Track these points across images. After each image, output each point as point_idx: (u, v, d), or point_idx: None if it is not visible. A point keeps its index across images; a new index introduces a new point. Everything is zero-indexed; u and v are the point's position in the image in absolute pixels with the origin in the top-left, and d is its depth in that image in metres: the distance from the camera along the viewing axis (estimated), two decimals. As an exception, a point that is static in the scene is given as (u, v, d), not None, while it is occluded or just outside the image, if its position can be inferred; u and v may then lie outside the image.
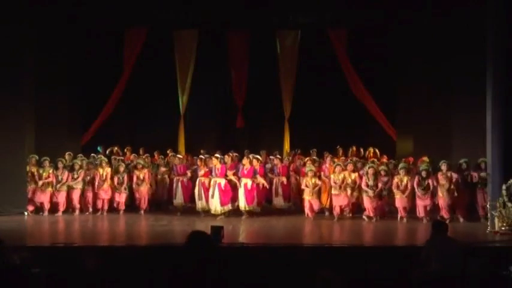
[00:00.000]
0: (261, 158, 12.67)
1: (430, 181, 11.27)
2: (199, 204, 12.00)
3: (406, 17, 13.66)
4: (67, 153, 12.80)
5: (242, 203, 11.80)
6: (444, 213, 11.16)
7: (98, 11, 13.61)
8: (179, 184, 12.49)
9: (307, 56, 14.92)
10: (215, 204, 11.75)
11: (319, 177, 12.06)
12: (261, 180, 12.02)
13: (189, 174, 12.62)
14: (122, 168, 12.47)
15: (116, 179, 12.36)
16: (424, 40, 13.34)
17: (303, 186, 11.97)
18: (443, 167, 11.24)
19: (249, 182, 11.82)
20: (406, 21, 13.77)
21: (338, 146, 13.76)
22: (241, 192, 11.82)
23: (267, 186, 12.31)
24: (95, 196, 12.33)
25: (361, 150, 13.87)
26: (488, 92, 10.44)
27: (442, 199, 11.17)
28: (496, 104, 10.26)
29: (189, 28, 14.79)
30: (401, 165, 11.79)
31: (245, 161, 12.07)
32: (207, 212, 11.90)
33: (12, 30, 11.67)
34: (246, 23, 14.60)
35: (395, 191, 11.44)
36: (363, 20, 14.13)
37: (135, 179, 12.40)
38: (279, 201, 12.78)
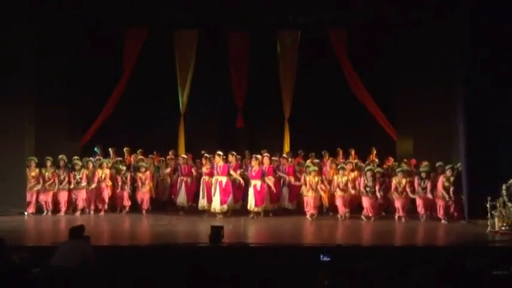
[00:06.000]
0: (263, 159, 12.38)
1: (429, 183, 11.34)
2: (201, 203, 12.02)
3: (406, 17, 13.65)
4: (60, 156, 12.53)
5: (251, 204, 11.81)
6: (441, 215, 11.20)
7: (98, 11, 13.59)
8: (183, 184, 12.49)
9: (307, 56, 14.91)
10: (215, 203, 11.77)
11: (322, 181, 12.03)
12: (269, 181, 11.95)
13: (194, 172, 12.59)
14: (124, 168, 12.57)
15: (118, 178, 12.41)
16: (424, 40, 13.32)
17: (302, 182, 11.94)
18: (448, 172, 11.23)
19: (258, 183, 11.85)
20: (406, 21, 13.75)
21: (338, 148, 13.78)
22: (250, 194, 11.86)
23: (274, 190, 12.02)
24: (95, 196, 12.35)
25: (352, 153, 13.80)
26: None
27: (441, 201, 11.20)
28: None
29: (189, 28, 14.78)
30: (400, 168, 11.91)
31: (254, 162, 12.05)
32: (208, 211, 11.91)
33: (12, 30, 11.67)
34: (246, 23, 14.58)
35: (394, 193, 11.51)
36: (363, 20, 14.13)
37: (138, 181, 12.45)
38: (284, 201, 12.53)
